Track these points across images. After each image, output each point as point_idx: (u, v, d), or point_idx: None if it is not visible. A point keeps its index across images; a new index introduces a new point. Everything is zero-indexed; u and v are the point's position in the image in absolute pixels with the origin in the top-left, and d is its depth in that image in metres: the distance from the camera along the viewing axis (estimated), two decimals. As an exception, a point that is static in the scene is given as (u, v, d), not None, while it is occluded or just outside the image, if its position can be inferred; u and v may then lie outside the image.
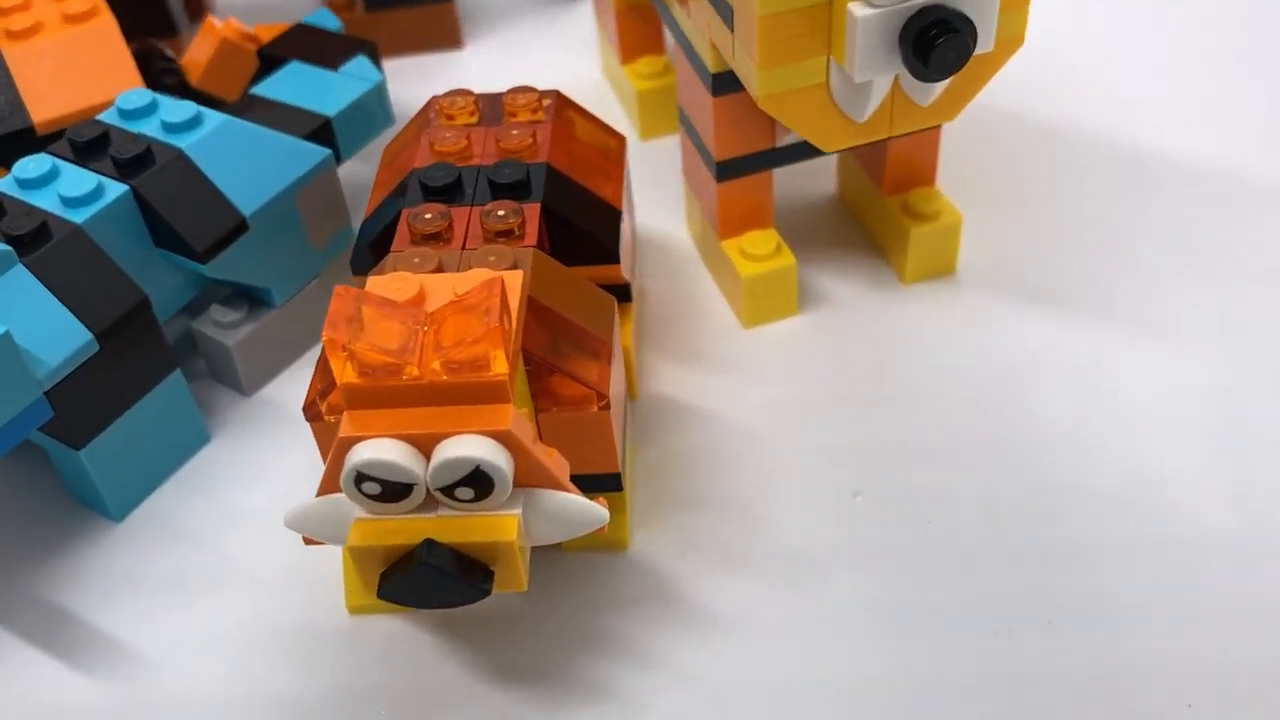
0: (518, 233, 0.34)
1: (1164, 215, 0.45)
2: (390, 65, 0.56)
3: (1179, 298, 0.42)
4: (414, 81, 0.55)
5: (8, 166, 0.43)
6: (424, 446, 0.29)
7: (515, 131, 0.37)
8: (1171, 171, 0.47)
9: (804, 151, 0.40)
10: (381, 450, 0.28)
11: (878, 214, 0.44)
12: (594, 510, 0.30)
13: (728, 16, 0.34)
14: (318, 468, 0.39)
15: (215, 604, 0.36)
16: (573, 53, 0.56)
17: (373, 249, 0.36)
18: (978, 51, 0.33)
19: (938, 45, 0.31)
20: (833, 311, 0.43)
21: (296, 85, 0.45)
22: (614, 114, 0.52)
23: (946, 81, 0.35)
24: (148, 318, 0.36)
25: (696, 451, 0.39)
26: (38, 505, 0.39)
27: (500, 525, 0.29)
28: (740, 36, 0.34)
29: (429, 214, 0.34)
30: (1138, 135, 0.49)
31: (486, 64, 0.57)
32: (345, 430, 0.29)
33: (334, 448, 0.29)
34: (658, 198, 0.48)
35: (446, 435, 0.28)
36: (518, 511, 0.29)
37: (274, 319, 0.41)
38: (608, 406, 0.32)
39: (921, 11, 0.31)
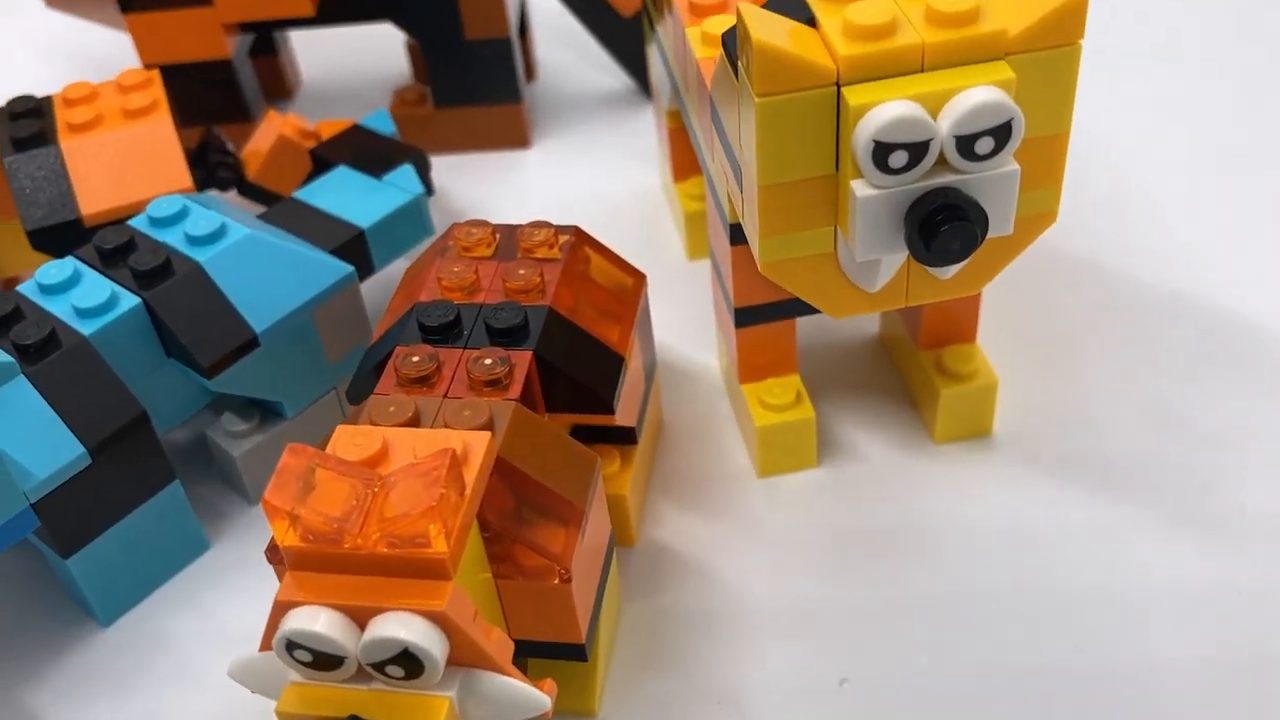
0: (504, 382, 0.33)
1: (1224, 391, 0.42)
2: (456, 161, 0.56)
3: (1223, 486, 0.39)
4: (478, 178, 0.56)
5: (56, 254, 0.44)
6: (359, 618, 0.28)
7: (523, 270, 0.36)
8: (1246, 339, 0.44)
9: (829, 303, 0.38)
10: (313, 621, 0.27)
11: (912, 367, 0.42)
12: (534, 697, 0.29)
13: (738, 174, 0.33)
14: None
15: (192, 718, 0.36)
16: (636, 160, 0.55)
17: (372, 381, 0.36)
18: (994, 235, 0.30)
19: (941, 233, 0.29)
20: (854, 466, 0.41)
21: (338, 192, 0.45)
22: (665, 228, 0.51)
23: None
24: (145, 431, 0.37)
25: (686, 614, 0.37)
26: (35, 597, 0.39)
27: (429, 707, 0.28)
28: (746, 198, 0.32)
29: (417, 356, 0.34)
30: (1215, 298, 0.45)
31: (550, 165, 0.56)
32: (283, 594, 0.28)
33: (271, 609, 0.28)
34: (696, 321, 0.46)
35: (381, 609, 0.28)
36: (450, 694, 0.28)
37: (285, 430, 0.41)
38: (568, 579, 0.31)
39: (929, 194, 0.29)
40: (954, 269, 0.33)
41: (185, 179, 0.44)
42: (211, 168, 0.48)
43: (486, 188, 0.55)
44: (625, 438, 0.39)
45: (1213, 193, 0.50)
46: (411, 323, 0.35)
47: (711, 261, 0.41)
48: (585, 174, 0.55)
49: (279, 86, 0.61)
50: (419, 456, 0.29)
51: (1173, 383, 0.42)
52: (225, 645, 0.37)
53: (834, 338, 0.45)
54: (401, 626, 0.27)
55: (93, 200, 0.44)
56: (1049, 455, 0.40)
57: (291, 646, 0.28)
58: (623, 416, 0.37)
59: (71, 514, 0.36)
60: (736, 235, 0.36)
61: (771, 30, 0.29)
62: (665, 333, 0.45)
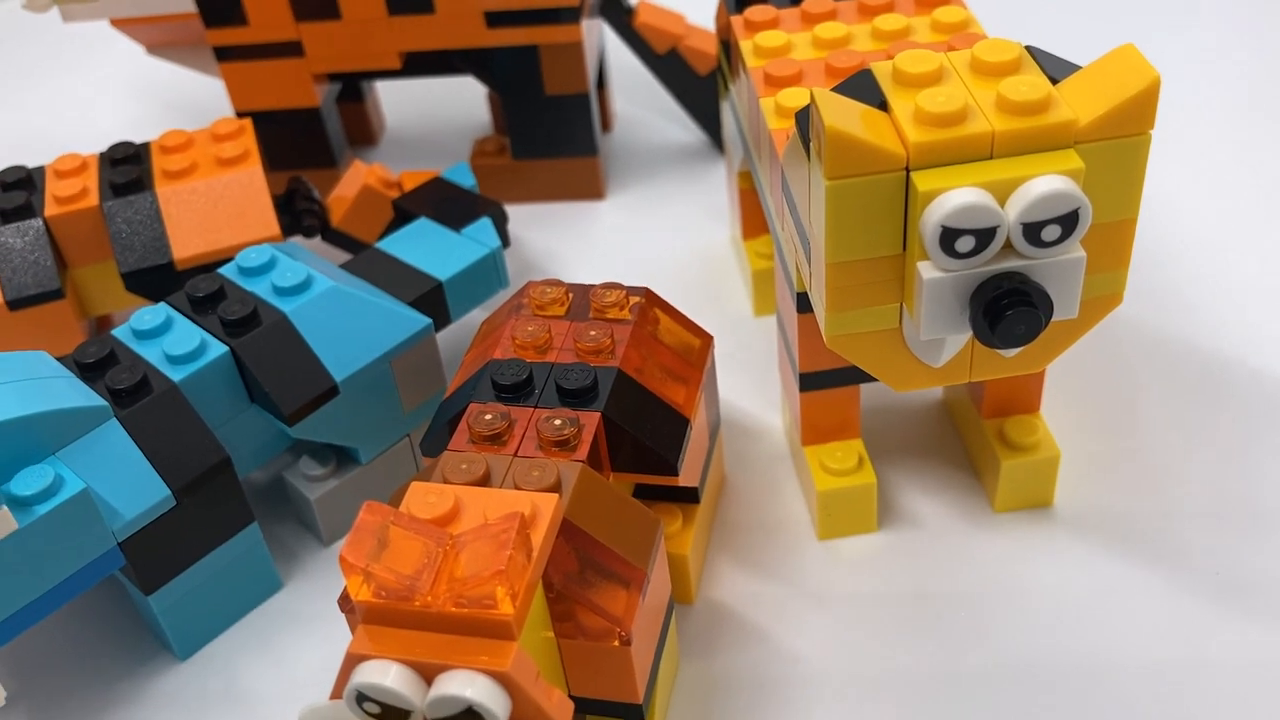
0: (572, 443, 0.34)
1: (1299, 467, 0.42)
2: (531, 211, 0.57)
3: (1299, 569, 0.39)
4: (552, 228, 0.57)
5: (149, 297, 0.46)
6: (427, 674, 0.29)
7: (594, 332, 0.37)
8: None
9: (894, 372, 0.39)
10: (383, 676, 0.28)
11: (974, 435, 0.42)
12: (591, 758, 0.29)
13: (807, 248, 0.34)
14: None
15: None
16: (708, 215, 0.56)
17: (438, 440, 0.37)
18: (1059, 318, 0.31)
19: (1006, 317, 0.30)
20: (914, 532, 0.41)
21: (418, 244, 0.46)
22: (734, 283, 0.52)
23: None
24: (228, 476, 0.38)
25: (742, 677, 0.37)
26: (120, 629, 0.41)
27: (491, 763, 0.29)
28: (814, 272, 0.33)
29: (490, 415, 0.35)
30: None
31: (623, 217, 0.57)
32: (355, 647, 0.29)
33: (343, 661, 0.29)
34: (761, 378, 0.47)
35: (447, 667, 0.29)
36: (511, 751, 0.29)
37: (359, 475, 0.42)
38: (628, 642, 0.32)
39: (995, 278, 0.30)
40: (1015, 349, 0.33)
41: (273, 227, 0.46)
42: (297, 214, 0.50)
43: (560, 238, 0.56)
44: (688, 497, 0.39)
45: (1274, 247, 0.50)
46: (485, 380, 0.36)
47: (778, 322, 0.42)
48: (657, 226, 0.56)
49: (364, 133, 0.63)
50: (489, 518, 0.30)
51: (1236, 452, 0.42)
52: (291, 686, 0.39)
53: (898, 402, 0.46)
54: (467, 685, 0.28)
55: (185, 245, 0.46)
56: (1110, 528, 0.40)
57: (361, 699, 0.29)
58: (686, 477, 0.37)
59: (155, 553, 0.37)
60: (803, 303, 0.37)
61: (844, 115, 0.30)
62: (730, 389, 0.46)
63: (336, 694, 0.30)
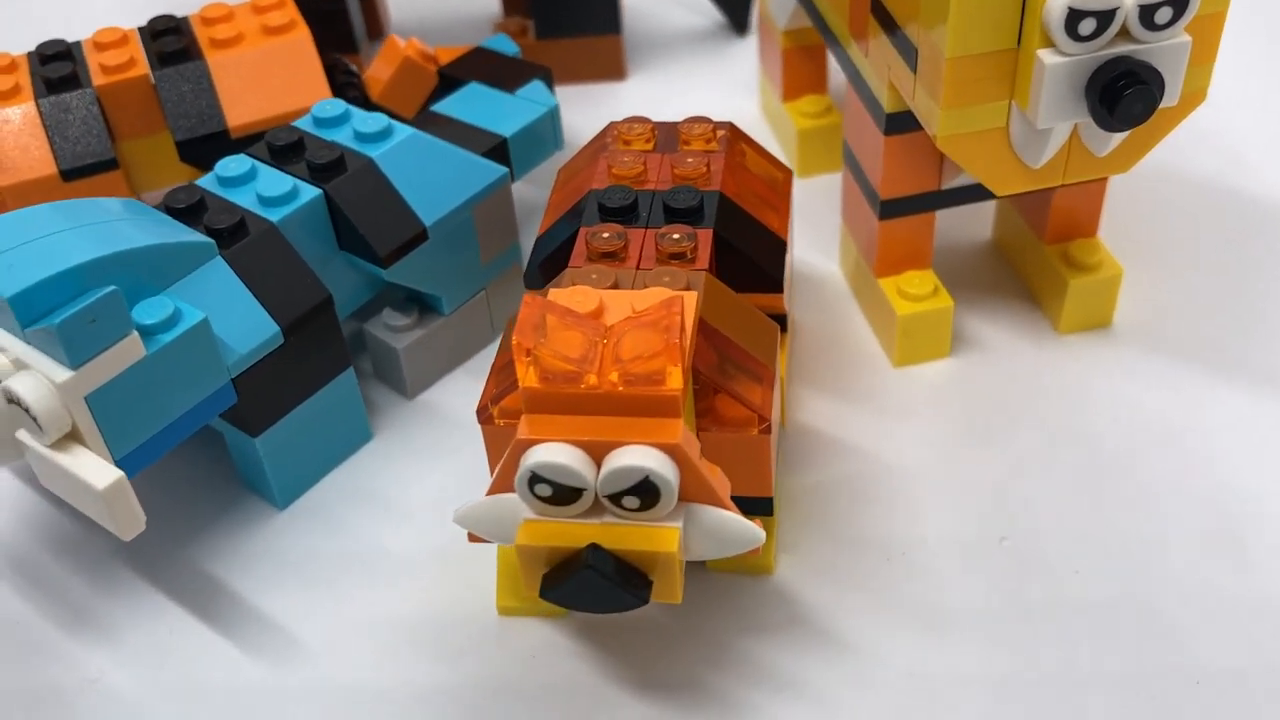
0: (690, 256, 0.35)
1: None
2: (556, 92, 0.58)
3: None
4: (575, 109, 0.57)
5: (201, 167, 0.45)
6: (595, 454, 0.30)
7: (690, 159, 0.38)
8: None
9: (969, 194, 0.41)
10: (556, 454, 0.29)
11: (1036, 262, 0.44)
12: (751, 530, 0.30)
13: (910, 58, 0.35)
14: (474, 471, 0.40)
15: (369, 595, 0.37)
16: (732, 89, 0.57)
17: (544, 267, 0.38)
18: (1163, 105, 0.33)
19: (1125, 96, 0.31)
20: (983, 356, 0.43)
21: (475, 105, 0.46)
22: (771, 149, 0.53)
23: (1124, 134, 0.35)
24: (329, 317, 0.38)
25: (843, 484, 0.39)
26: (211, 490, 0.41)
27: (663, 537, 0.30)
28: (923, 77, 0.35)
29: (606, 233, 0.35)
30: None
31: (646, 96, 0.58)
32: (523, 432, 0.30)
33: (510, 449, 0.30)
34: (812, 234, 0.48)
35: (618, 445, 0.29)
36: (679, 525, 0.30)
37: (441, 327, 0.43)
38: (769, 430, 0.33)
39: (1110, 62, 0.32)
40: (1114, 142, 0.35)
41: (326, 91, 0.46)
42: (339, 88, 0.50)
43: (586, 118, 0.57)
44: (780, 325, 0.41)
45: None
46: (591, 206, 0.37)
47: (846, 165, 0.43)
48: (682, 103, 0.57)
49: (372, 25, 0.63)
50: (636, 311, 0.31)
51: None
52: (389, 533, 0.39)
53: (952, 242, 0.47)
54: (644, 456, 0.29)
55: (239, 112, 0.45)
56: (1166, 346, 0.43)
57: (534, 481, 0.29)
58: (784, 302, 0.39)
59: (263, 392, 0.37)
60: (892, 125, 0.38)
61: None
62: (788, 240, 0.47)
63: (494, 490, 0.31)
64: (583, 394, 0.30)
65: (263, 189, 0.38)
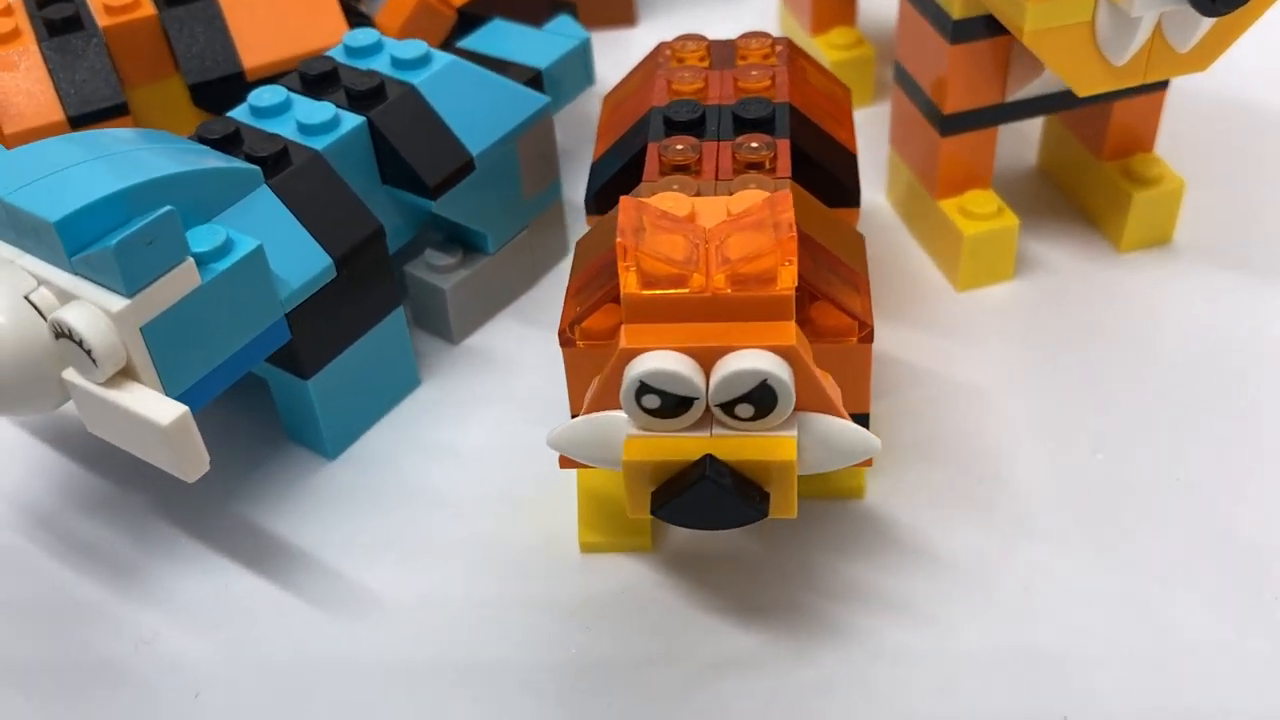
0: (769, 166, 0.33)
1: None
2: (566, 39, 0.56)
3: None
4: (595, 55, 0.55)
5: (215, 111, 0.43)
6: (704, 361, 0.28)
7: (755, 72, 0.37)
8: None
9: (1032, 108, 0.40)
10: (666, 362, 0.27)
11: (1093, 181, 0.43)
12: (867, 438, 0.29)
13: (988, -45, 0.34)
14: (527, 414, 0.38)
15: (436, 542, 0.35)
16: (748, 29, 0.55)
17: (602, 194, 0.36)
18: (1253, -8, 0.32)
19: (1229, -26, 0.30)
20: (1047, 277, 0.42)
21: (503, 40, 0.45)
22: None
23: (1207, 27, 0.34)
24: (381, 249, 0.36)
25: (923, 406, 0.38)
26: (251, 440, 0.38)
27: (780, 446, 0.28)
28: (1006, -28, 0.33)
29: (680, 145, 0.34)
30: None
31: (659, 40, 0.56)
32: (626, 342, 0.28)
33: (614, 360, 0.28)
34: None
35: (728, 350, 0.28)
36: (795, 433, 0.28)
37: (485, 267, 0.41)
38: (870, 338, 0.31)
39: (1210, -59, 0.31)
40: (1195, 37, 0.34)
41: (343, 29, 0.44)
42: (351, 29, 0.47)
43: (600, 64, 0.55)
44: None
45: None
46: (657, 121, 0.35)
47: (900, 86, 0.42)
48: (699, 47, 0.55)
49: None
50: (733, 214, 0.29)
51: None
52: (443, 479, 0.37)
53: (997, 169, 0.46)
54: (760, 360, 0.27)
55: (255, 53, 0.43)
56: (1227, 261, 0.42)
57: (642, 391, 0.28)
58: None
59: (315, 331, 0.35)
60: (959, 33, 0.37)
61: None
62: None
63: (592, 407, 0.29)
64: (688, 299, 0.28)
65: (303, 117, 0.36)
